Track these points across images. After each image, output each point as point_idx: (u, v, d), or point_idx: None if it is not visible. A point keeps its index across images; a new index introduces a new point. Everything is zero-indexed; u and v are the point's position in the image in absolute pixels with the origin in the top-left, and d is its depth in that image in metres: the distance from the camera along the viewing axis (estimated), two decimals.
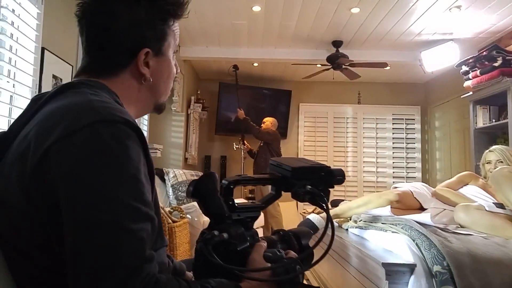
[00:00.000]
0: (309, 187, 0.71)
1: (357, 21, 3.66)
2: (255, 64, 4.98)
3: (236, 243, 0.68)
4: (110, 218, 0.54)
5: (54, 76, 2.27)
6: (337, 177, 0.76)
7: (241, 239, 0.70)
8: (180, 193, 3.73)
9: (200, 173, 4.43)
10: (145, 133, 4.42)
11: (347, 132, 5.66)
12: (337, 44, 4.16)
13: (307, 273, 2.75)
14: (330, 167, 0.76)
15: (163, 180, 3.86)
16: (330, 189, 0.77)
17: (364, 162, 5.58)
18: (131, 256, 0.54)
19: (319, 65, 4.38)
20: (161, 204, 3.08)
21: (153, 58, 0.75)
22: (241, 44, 4.37)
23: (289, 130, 5.64)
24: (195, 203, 3.56)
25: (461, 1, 3.21)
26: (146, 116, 4.44)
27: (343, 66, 4.20)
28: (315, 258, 0.76)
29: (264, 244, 0.75)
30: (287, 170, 0.74)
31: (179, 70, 0.86)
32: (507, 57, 3.43)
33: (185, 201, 3.69)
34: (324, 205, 0.72)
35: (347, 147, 5.63)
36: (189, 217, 3.31)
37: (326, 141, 5.66)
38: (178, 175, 3.86)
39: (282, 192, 0.78)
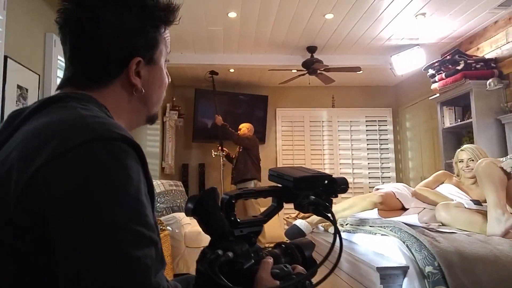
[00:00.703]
0: (313, 197, 0.69)
1: (331, 26, 3.74)
2: (232, 70, 4.97)
3: (242, 262, 0.66)
4: (112, 246, 0.49)
5: (19, 86, 2.16)
6: (341, 185, 0.74)
7: (246, 257, 0.67)
8: (159, 204, 3.65)
9: (179, 183, 4.35)
10: None
11: (323, 135, 5.76)
12: (311, 49, 4.23)
13: None
14: (332, 175, 0.74)
15: None
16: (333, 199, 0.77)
17: (341, 164, 5.68)
18: (137, 286, 0.50)
19: (295, 71, 4.43)
20: None
21: (144, 67, 0.71)
22: (217, 50, 4.36)
23: (267, 135, 5.66)
24: (175, 215, 3.49)
25: (426, 8, 3.35)
26: None
27: (318, 71, 4.27)
28: (320, 271, 0.74)
29: (271, 260, 0.71)
30: (289, 181, 0.71)
31: (170, 79, 0.81)
32: (468, 61, 3.62)
33: (164, 213, 3.61)
34: (329, 215, 0.71)
35: (323, 149, 5.72)
36: (170, 229, 3.24)
37: (304, 144, 5.72)
38: (156, 186, 3.77)
39: (275, 199, 0.76)
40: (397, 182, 5.30)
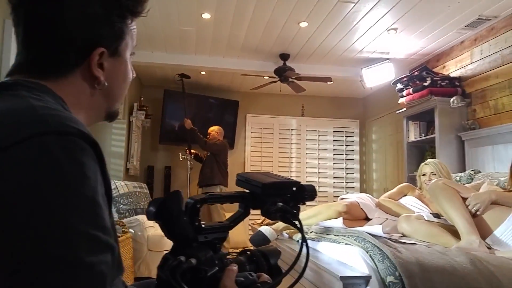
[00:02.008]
0: (281, 204, 0.68)
1: (304, 35, 3.78)
2: (203, 73, 4.91)
3: (205, 269, 0.63)
4: (64, 251, 0.44)
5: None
6: (310, 193, 0.73)
7: (210, 264, 0.64)
8: (121, 206, 3.52)
9: (144, 185, 4.23)
10: None
11: (291, 143, 5.81)
12: (284, 57, 4.26)
13: None
14: (300, 182, 0.73)
15: None
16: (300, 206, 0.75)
17: (307, 173, 5.75)
18: None
19: (267, 77, 4.44)
20: None
21: (108, 59, 0.65)
22: (189, 51, 4.29)
23: (236, 141, 5.63)
24: (138, 217, 3.38)
25: (397, 24, 3.47)
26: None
27: (290, 79, 4.30)
28: (284, 280, 0.72)
29: (235, 268, 0.69)
30: (257, 187, 0.69)
31: (134, 75, 0.77)
32: (435, 78, 3.78)
33: (127, 215, 3.49)
34: (297, 223, 0.70)
35: (291, 157, 5.77)
36: (132, 231, 3.14)
37: (272, 151, 5.75)
38: (119, 187, 3.64)
39: (242, 205, 0.74)
40: (360, 192, 5.42)
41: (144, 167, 5.23)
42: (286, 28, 3.63)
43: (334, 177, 5.81)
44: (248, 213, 0.76)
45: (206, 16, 3.42)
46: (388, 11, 3.24)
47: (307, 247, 0.69)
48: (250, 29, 3.68)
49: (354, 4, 3.13)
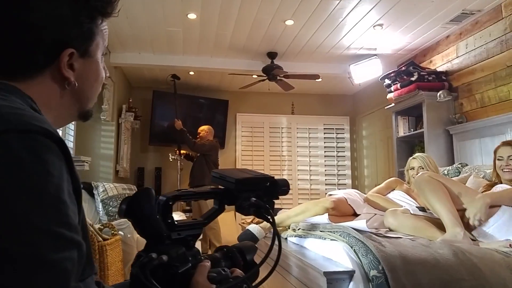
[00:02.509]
0: (254, 199, 0.68)
1: (291, 33, 3.78)
2: (191, 73, 4.90)
3: (177, 266, 0.63)
4: (26, 248, 0.44)
5: None
6: (282, 187, 0.74)
7: (182, 261, 0.64)
8: (111, 208, 3.50)
9: (133, 186, 4.20)
10: (71, 144, 4.10)
11: (282, 142, 5.81)
12: (272, 55, 4.26)
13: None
14: (274, 177, 0.73)
15: (92, 195, 3.59)
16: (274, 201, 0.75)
17: (298, 170, 5.75)
18: None
19: (255, 76, 4.44)
20: (90, 221, 2.85)
21: (78, 59, 0.66)
22: (176, 51, 4.28)
23: (227, 140, 5.62)
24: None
25: (383, 20, 3.49)
26: (71, 126, 4.12)
27: (278, 78, 4.30)
28: (263, 274, 0.73)
29: (208, 264, 0.69)
30: (231, 182, 0.70)
31: (108, 74, 0.77)
32: (421, 73, 3.80)
33: (116, 217, 3.47)
34: (270, 217, 0.69)
35: (282, 156, 5.77)
36: (122, 233, 3.11)
37: (263, 150, 5.75)
38: (108, 189, 3.61)
39: (216, 202, 0.74)
40: (352, 188, 5.44)
41: (134, 169, 5.21)
42: (272, 26, 3.63)
43: (325, 174, 5.82)
44: (222, 209, 0.76)
45: (192, 16, 3.41)
46: (373, 7, 3.25)
47: (279, 241, 0.69)
48: (236, 28, 3.67)
49: (339, 1, 3.14)
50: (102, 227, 3.01)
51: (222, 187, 0.73)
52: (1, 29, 0.61)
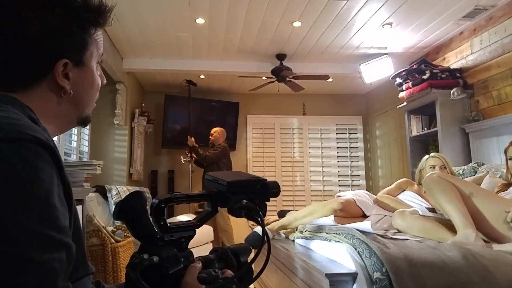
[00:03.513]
0: (245, 201, 0.69)
1: (299, 34, 3.77)
2: (202, 76, 4.94)
3: (167, 266, 0.64)
4: (14, 249, 0.46)
5: None
6: (272, 189, 0.74)
7: (173, 261, 0.66)
8: None
9: (146, 189, 4.26)
10: (85, 149, 4.18)
11: (293, 143, 5.78)
12: (281, 57, 4.26)
13: (256, 285, 2.71)
14: (266, 179, 0.74)
15: (106, 197, 3.66)
16: (266, 203, 0.74)
17: (311, 172, 5.71)
18: None
19: (265, 78, 4.44)
20: (103, 224, 2.91)
21: (73, 69, 0.70)
22: (186, 56, 4.32)
23: (238, 142, 5.64)
24: None
25: (392, 18, 3.44)
26: (86, 131, 4.21)
27: (287, 79, 4.29)
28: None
29: (199, 265, 0.70)
30: (223, 185, 0.71)
31: (104, 81, 0.80)
32: (434, 71, 3.72)
33: None
34: (260, 219, 0.69)
35: (294, 157, 5.74)
36: None
37: (274, 151, 5.73)
38: (121, 192, 3.67)
39: (209, 204, 0.75)
40: (367, 190, 5.38)
41: (147, 172, 5.28)
42: (280, 28, 3.62)
43: (339, 175, 5.76)
44: (215, 212, 0.77)
45: (200, 21, 3.45)
46: (381, 6, 3.21)
47: (268, 241, 0.70)
48: (244, 32, 3.69)
49: (346, 1, 3.11)
50: (115, 230, 3.06)
51: (215, 190, 0.74)
52: None
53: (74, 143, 3.92)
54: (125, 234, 3.05)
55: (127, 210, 0.66)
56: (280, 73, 4.17)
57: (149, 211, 0.68)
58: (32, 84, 0.67)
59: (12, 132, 0.53)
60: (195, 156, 4.67)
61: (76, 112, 0.74)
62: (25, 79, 0.66)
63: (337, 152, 5.82)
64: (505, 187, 2.12)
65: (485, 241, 1.78)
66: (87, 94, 0.74)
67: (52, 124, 0.69)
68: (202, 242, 3.66)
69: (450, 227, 1.86)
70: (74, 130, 3.92)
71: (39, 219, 0.50)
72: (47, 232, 0.50)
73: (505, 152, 2.15)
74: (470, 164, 3.15)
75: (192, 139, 4.60)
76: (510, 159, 2.10)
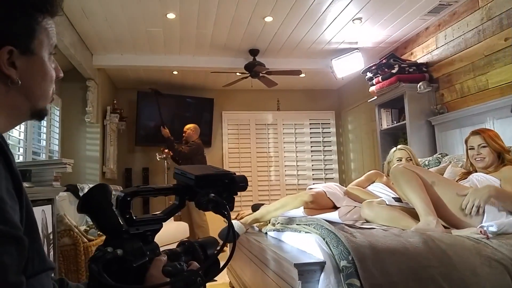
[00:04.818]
0: (213, 195, 0.70)
1: (271, 29, 3.80)
2: (175, 72, 4.89)
3: (131, 260, 0.65)
4: None
5: None
6: (240, 183, 0.75)
7: (138, 254, 0.66)
8: None
9: (120, 187, 4.20)
10: (56, 147, 4.08)
11: (268, 138, 5.83)
12: (254, 52, 4.27)
13: (231, 278, 2.74)
14: (234, 173, 0.75)
15: (78, 196, 3.58)
16: (234, 196, 0.75)
17: (286, 166, 5.78)
18: None
19: (238, 73, 4.45)
20: (75, 223, 2.85)
21: (20, 57, 0.66)
22: (158, 51, 4.27)
23: (213, 138, 5.63)
24: None
25: (361, 13, 3.51)
26: (56, 129, 4.11)
27: (260, 74, 4.32)
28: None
29: (164, 258, 0.71)
30: (191, 179, 0.72)
31: (61, 74, 0.77)
32: (402, 65, 3.84)
33: None
34: (226, 213, 0.70)
35: (269, 152, 5.79)
36: None
37: (250, 147, 5.76)
38: None
39: (177, 197, 0.76)
40: (339, 183, 5.49)
41: (122, 170, 5.20)
42: (252, 23, 3.64)
43: (313, 169, 5.85)
44: (183, 205, 0.77)
45: (171, 16, 3.41)
46: (351, 1, 3.28)
47: (234, 233, 0.72)
48: (216, 27, 3.68)
49: None
50: (88, 229, 3.02)
51: (184, 183, 0.75)
52: None
53: (43, 142, 3.82)
54: (99, 233, 3.01)
55: (91, 202, 0.66)
56: (253, 69, 4.19)
57: (114, 205, 0.69)
58: None
59: None
60: (170, 152, 4.63)
61: (27, 104, 0.70)
62: None
63: (311, 146, 5.90)
64: (464, 175, 2.23)
65: (445, 227, 1.87)
66: (38, 85, 0.71)
67: (3, 116, 0.67)
68: (177, 238, 3.65)
69: (414, 215, 1.95)
70: (43, 129, 3.81)
71: None
72: None
73: (465, 142, 2.26)
74: (434, 155, 3.28)
75: (166, 129, 4.56)
76: (470, 149, 2.21)
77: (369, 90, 4.23)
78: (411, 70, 3.83)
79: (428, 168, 2.87)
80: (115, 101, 4.89)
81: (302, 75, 4.54)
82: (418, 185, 1.93)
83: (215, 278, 0.88)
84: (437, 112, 3.66)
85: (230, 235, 0.70)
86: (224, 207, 0.70)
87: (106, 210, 0.66)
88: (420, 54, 4.00)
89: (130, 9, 3.25)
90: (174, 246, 0.75)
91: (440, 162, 3.10)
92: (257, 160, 5.71)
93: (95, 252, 0.64)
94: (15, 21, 0.66)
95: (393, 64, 3.85)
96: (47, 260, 0.67)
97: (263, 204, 2.84)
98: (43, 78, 0.72)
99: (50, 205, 2.49)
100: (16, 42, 0.66)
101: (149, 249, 0.70)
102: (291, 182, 5.72)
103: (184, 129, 4.64)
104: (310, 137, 5.92)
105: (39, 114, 0.74)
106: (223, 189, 0.73)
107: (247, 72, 4.29)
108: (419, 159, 2.86)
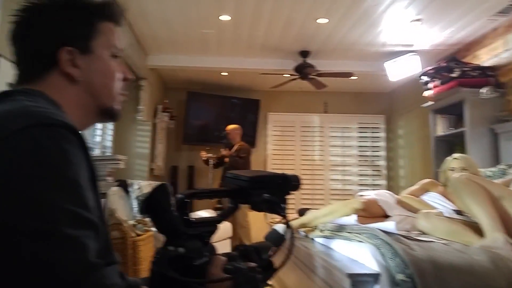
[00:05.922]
0: (267, 195, 0.70)
1: (324, 31, 3.73)
2: (224, 73, 4.96)
3: (192, 257, 0.66)
4: (46, 225, 0.50)
5: (11, 85, 2.12)
6: (293, 182, 0.76)
7: (198, 254, 0.67)
8: None
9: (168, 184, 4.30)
10: (109, 144, 4.27)
11: (314, 141, 5.73)
12: (304, 54, 4.22)
13: (272, 280, 2.71)
14: (286, 174, 0.76)
15: (127, 192, 3.72)
16: (287, 197, 0.75)
17: (331, 171, 5.65)
18: (73, 265, 0.49)
19: (287, 75, 4.42)
20: (124, 218, 2.96)
21: (80, 56, 0.71)
22: (210, 53, 4.35)
23: (258, 139, 5.63)
24: None
25: (421, 15, 3.34)
26: (110, 126, 4.30)
27: (310, 76, 4.25)
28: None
29: (223, 258, 0.71)
30: (245, 181, 0.73)
31: (130, 76, 0.81)
32: (464, 69, 3.60)
33: None
34: (282, 213, 0.71)
35: (314, 155, 5.69)
36: (154, 229, 3.21)
37: (294, 150, 5.70)
38: (143, 186, 3.73)
39: (231, 200, 0.77)
40: (387, 190, 5.28)
41: (168, 167, 5.35)
42: (305, 25, 3.59)
43: (359, 175, 5.68)
44: (237, 208, 0.78)
45: (225, 18, 3.46)
46: (411, 3, 3.13)
47: (292, 235, 0.73)
48: (269, 29, 3.67)
49: None
50: (135, 224, 3.12)
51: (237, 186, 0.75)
52: (14, 47, 0.72)
53: (98, 138, 4.01)
54: (145, 228, 3.10)
55: (153, 204, 0.67)
56: (303, 70, 4.14)
57: (173, 205, 0.69)
58: (43, 75, 0.70)
59: (43, 118, 0.57)
60: (212, 158, 4.62)
61: (93, 101, 0.74)
62: (37, 71, 0.70)
63: (359, 151, 5.73)
64: None
65: None
66: (100, 83, 0.75)
67: (76, 116, 0.71)
68: (221, 237, 3.68)
69: (477, 230, 1.80)
70: (99, 125, 4.01)
71: (69, 197, 0.53)
72: (77, 210, 0.53)
73: None
74: (500, 166, 3.04)
75: (203, 152, 4.58)
76: None
77: (424, 95, 4.02)
78: (474, 74, 3.57)
79: (491, 180, 2.66)
80: (167, 101, 5.05)
81: (354, 77, 4.41)
82: (484, 198, 1.78)
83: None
84: (502, 120, 3.38)
85: (286, 235, 0.73)
86: (279, 207, 0.71)
87: (167, 212, 0.67)
88: (485, 57, 3.72)
89: (186, 10, 3.33)
90: (217, 245, 0.75)
91: (505, 174, 2.86)
92: (301, 163, 5.64)
93: (155, 255, 0.66)
94: (75, 25, 0.72)
95: (453, 67, 3.62)
96: (114, 254, 0.69)
97: (309, 209, 2.78)
98: (105, 76, 0.76)
99: (103, 199, 2.61)
100: (76, 43, 0.71)
101: (206, 250, 0.70)
102: (336, 187, 5.59)
103: (227, 131, 4.59)
104: (358, 141, 5.75)
105: (109, 114, 0.78)
106: (275, 190, 0.73)
107: (297, 74, 4.25)
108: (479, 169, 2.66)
